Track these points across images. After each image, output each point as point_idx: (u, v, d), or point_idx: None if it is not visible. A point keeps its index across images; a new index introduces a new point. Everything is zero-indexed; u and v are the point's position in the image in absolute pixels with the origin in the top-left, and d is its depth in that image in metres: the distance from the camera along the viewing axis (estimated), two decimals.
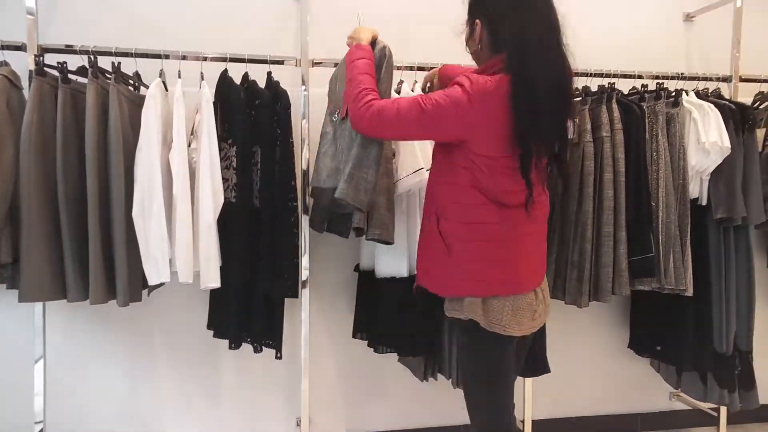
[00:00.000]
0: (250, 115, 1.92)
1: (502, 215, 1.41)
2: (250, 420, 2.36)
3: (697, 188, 2.15)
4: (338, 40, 2.28)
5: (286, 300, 2.02)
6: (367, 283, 2.10)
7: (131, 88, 1.94)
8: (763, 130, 2.30)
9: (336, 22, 2.18)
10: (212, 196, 1.79)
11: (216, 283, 1.81)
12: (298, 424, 2.31)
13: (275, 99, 1.93)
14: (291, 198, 1.92)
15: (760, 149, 2.23)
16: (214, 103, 1.90)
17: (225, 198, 1.85)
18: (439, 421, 2.50)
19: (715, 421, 2.47)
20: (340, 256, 2.35)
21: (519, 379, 2.44)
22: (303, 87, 2.10)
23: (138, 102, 1.83)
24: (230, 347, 1.99)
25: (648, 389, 2.65)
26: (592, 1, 2.53)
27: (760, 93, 2.45)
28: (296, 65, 2.11)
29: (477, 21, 1.45)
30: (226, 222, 1.86)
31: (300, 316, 2.15)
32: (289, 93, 1.98)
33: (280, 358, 2.02)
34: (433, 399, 2.48)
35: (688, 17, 2.62)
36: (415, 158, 1.88)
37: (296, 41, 2.20)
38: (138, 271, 1.76)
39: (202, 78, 1.89)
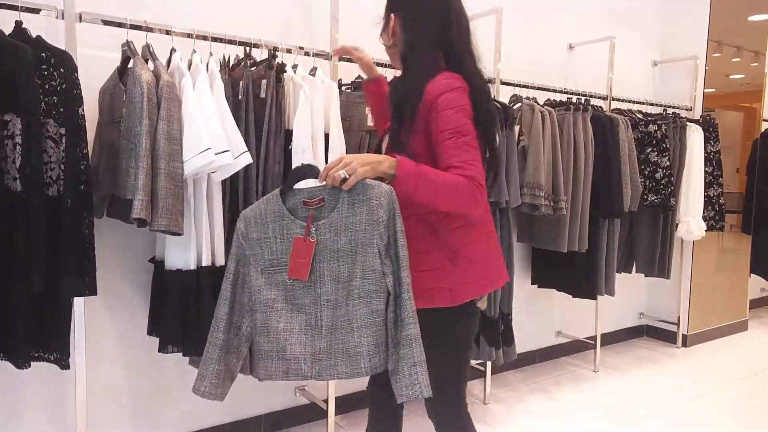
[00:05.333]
0: None
1: None
2: None
3: None
4: None
5: None
6: (161, 275, 1.87)
7: None
8: (518, 126, 2.72)
9: None
10: None
11: None
12: None
13: (46, 58, 1.56)
14: (83, 181, 1.58)
15: (516, 143, 2.63)
16: None
17: None
18: (234, 416, 2.38)
19: (482, 374, 2.87)
20: (130, 244, 2.07)
21: None
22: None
23: None
24: None
25: None
26: None
27: (515, 95, 2.89)
28: (57, 17, 1.74)
29: (392, 16, 1.44)
30: None
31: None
32: None
33: (68, 367, 1.70)
34: (228, 395, 2.36)
35: None
36: (199, 138, 1.67)
37: None
38: None
39: None
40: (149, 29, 1.84)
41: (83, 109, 1.62)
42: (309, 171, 1.31)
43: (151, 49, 1.80)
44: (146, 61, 1.77)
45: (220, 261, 1.83)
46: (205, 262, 1.78)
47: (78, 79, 1.62)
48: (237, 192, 1.85)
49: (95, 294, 1.66)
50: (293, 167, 1.77)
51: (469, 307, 1.42)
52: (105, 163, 1.84)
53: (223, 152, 1.65)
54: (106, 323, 2.08)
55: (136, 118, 1.57)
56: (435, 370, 1.31)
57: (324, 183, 1.27)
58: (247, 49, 1.98)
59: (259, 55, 2.00)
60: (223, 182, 1.83)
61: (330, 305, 1.25)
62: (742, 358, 3.70)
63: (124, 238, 2.07)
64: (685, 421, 2.72)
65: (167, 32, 1.88)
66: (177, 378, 2.24)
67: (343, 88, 2.28)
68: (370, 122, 2.14)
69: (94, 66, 1.91)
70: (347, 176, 1.23)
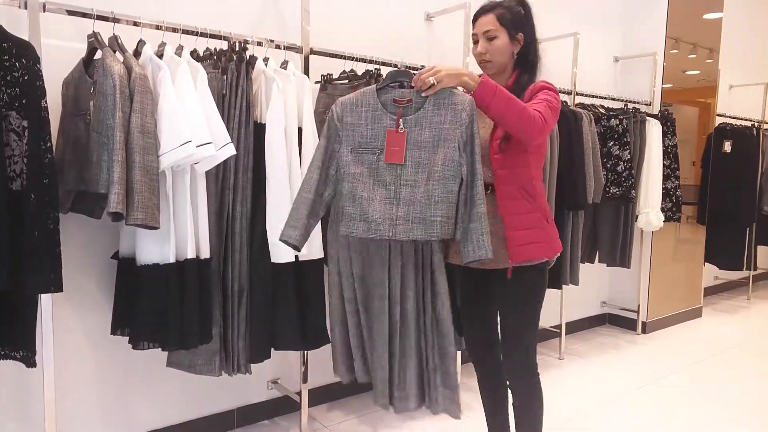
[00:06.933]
0: None
1: None
2: None
3: None
4: None
5: None
6: (128, 272, 1.83)
7: None
8: None
9: None
10: None
11: None
12: None
13: (8, 48, 1.50)
14: (47, 175, 1.54)
15: None
16: None
17: None
18: (207, 410, 2.38)
19: None
20: (96, 240, 2.03)
21: (296, 353, 2.49)
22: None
23: None
24: None
25: None
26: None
27: None
28: (20, 7, 1.68)
29: (521, 35, 1.67)
30: None
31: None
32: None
33: (35, 365, 1.67)
34: (199, 390, 2.35)
35: (429, 17, 2.96)
36: (179, 131, 1.65)
37: None
38: None
39: None
40: (116, 20, 1.80)
41: (47, 101, 1.58)
42: (404, 75, 1.58)
43: (119, 41, 1.77)
44: (114, 52, 1.73)
45: (206, 254, 1.80)
46: (190, 254, 1.75)
47: (41, 71, 1.58)
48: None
49: (61, 290, 1.62)
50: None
51: (549, 262, 1.73)
52: (70, 157, 1.80)
53: (204, 144, 1.63)
54: (73, 320, 2.04)
55: (109, 111, 1.54)
56: (528, 319, 1.70)
57: (413, 86, 1.54)
58: (215, 41, 1.96)
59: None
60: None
61: (409, 185, 1.53)
62: (697, 343, 3.88)
63: (90, 233, 2.02)
64: (645, 403, 2.84)
65: (135, 23, 1.84)
66: (147, 374, 2.22)
67: (334, 80, 2.28)
68: None
69: (58, 57, 1.86)
70: (435, 82, 1.48)
